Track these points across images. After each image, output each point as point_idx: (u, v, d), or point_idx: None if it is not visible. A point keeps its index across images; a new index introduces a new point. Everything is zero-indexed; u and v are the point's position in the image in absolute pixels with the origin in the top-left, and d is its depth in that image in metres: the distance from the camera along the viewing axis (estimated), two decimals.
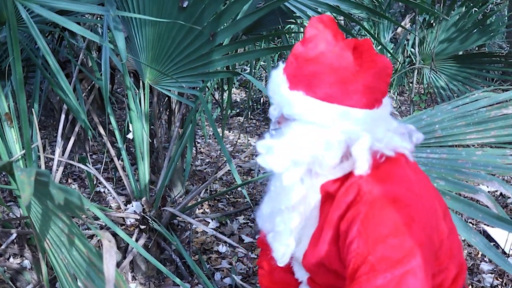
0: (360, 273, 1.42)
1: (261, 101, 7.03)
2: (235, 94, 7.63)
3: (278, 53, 6.31)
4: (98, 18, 3.37)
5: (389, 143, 1.55)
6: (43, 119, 5.42)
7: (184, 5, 2.78)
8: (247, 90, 7.42)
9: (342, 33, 1.60)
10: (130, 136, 3.18)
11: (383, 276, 1.38)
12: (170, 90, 3.05)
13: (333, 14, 3.08)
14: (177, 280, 2.53)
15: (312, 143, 1.53)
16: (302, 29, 4.87)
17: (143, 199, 3.13)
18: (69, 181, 4.76)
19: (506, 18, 5.31)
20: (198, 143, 5.93)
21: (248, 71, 6.67)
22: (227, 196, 4.60)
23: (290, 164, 1.54)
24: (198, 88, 3.09)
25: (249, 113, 6.51)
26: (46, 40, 3.02)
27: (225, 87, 5.04)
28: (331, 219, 1.55)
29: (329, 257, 1.57)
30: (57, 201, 1.14)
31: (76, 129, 3.23)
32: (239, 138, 6.09)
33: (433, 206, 1.54)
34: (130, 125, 3.14)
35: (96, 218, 3.43)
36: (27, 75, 3.58)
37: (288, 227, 1.63)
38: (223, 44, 2.90)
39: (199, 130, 6.31)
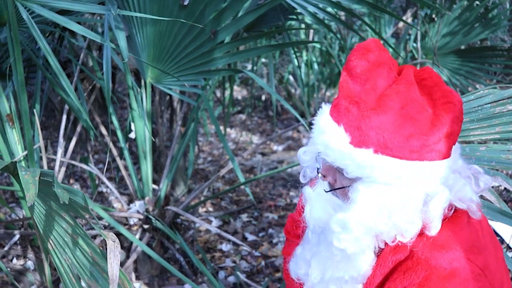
0: None
1: (263, 98, 7.02)
2: (236, 91, 7.62)
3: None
4: (99, 18, 3.36)
5: (459, 192, 1.34)
6: (44, 119, 5.41)
7: (185, 3, 2.77)
8: (249, 88, 7.41)
9: (395, 62, 1.37)
10: (132, 135, 3.17)
11: None
12: (171, 89, 3.05)
13: (334, 9, 3.05)
14: (183, 277, 2.52)
15: (391, 208, 1.30)
16: (303, 25, 4.85)
17: (146, 198, 3.12)
18: (71, 181, 4.76)
19: (508, 11, 5.29)
20: (200, 141, 5.92)
21: (250, 68, 6.67)
22: (230, 195, 4.59)
23: (367, 236, 1.33)
24: (200, 86, 3.08)
25: (251, 110, 6.49)
26: (47, 40, 3.01)
27: (227, 85, 5.03)
28: (373, 277, 1.37)
29: None
30: (62, 201, 1.13)
31: (78, 129, 3.22)
32: (241, 136, 6.08)
33: (498, 278, 1.36)
34: (132, 124, 3.13)
35: (99, 218, 3.42)
36: (28, 75, 3.56)
37: None
38: (225, 42, 2.89)
39: (200, 128, 6.31)
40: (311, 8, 3.07)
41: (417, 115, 1.28)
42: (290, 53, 4.35)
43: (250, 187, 4.69)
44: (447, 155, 1.31)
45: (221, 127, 5.94)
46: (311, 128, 1.42)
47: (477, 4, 5.06)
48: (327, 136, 1.32)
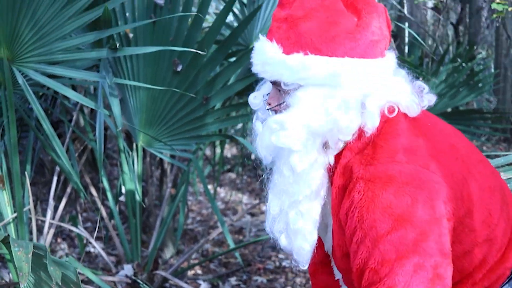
0: (366, 281, 1.29)
1: (252, 157, 7.05)
2: (225, 149, 7.65)
3: None
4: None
5: (400, 94, 1.40)
6: (34, 175, 5.39)
7: (178, 69, 2.83)
8: (238, 145, 7.45)
9: None
10: (122, 198, 3.18)
11: (387, 283, 1.25)
12: (163, 153, 3.07)
13: None
14: None
15: (328, 107, 1.36)
16: None
17: (135, 262, 3.10)
18: (59, 240, 4.71)
19: (494, 74, 5.43)
20: (189, 200, 5.91)
21: (241, 125, 6.72)
22: (219, 257, 4.56)
23: (307, 137, 1.37)
24: (191, 151, 3.11)
25: (241, 169, 6.52)
26: (39, 101, 3.04)
27: (217, 142, 5.06)
28: (332, 204, 1.43)
29: (342, 246, 1.43)
30: (54, 281, 1.13)
31: (68, 190, 3.22)
32: (230, 196, 6.08)
33: (449, 171, 1.36)
34: (123, 187, 3.13)
35: (89, 282, 3.38)
36: (20, 134, 3.58)
37: (310, 219, 1.45)
38: (216, 108, 2.93)
39: (189, 187, 6.31)
40: None
41: (342, 19, 1.37)
42: None
43: (239, 249, 4.66)
44: (380, 55, 1.39)
45: (211, 186, 5.94)
46: None
47: (462, 67, 5.18)
48: (262, 54, 1.41)
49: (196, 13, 2.70)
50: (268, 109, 1.47)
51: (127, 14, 2.90)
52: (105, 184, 3.22)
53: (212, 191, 5.53)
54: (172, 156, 3.39)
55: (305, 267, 1.51)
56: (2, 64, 2.43)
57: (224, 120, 2.94)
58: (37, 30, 2.36)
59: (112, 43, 2.26)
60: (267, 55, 1.40)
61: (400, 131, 1.39)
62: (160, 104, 2.90)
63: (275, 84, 1.43)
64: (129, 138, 3.66)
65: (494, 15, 4.16)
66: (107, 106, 2.88)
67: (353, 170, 1.35)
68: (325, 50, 1.35)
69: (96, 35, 2.25)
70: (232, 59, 3.04)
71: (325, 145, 1.41)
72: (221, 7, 5.59)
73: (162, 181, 4.40)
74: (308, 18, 1.36)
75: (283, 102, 1.42)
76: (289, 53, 1.37)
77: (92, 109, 4.08)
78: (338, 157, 1.43)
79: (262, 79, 1.52)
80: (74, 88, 3.27)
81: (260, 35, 1.48)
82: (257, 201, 5.88)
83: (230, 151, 7.70)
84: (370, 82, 1.37)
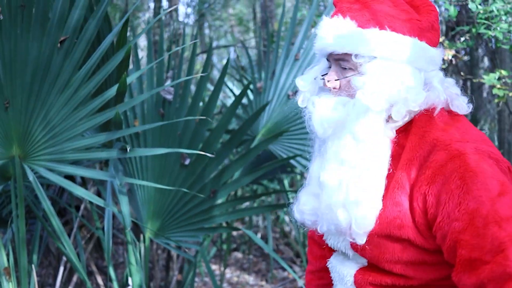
0: (491, 242, 1.25)
1: (258, 235, 7.03)
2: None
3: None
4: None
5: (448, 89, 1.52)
6: (39, 261, 5.36)
7: (186, 163, 2.87)
8: (244, 224, 7.43)
9: None
10: None
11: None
12: (169, 244, 3.08)
13: None
14: None
15: (402, 78, 1.44)
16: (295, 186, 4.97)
17: None
18: None
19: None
20: (195, 282, 5.85)
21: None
22: None
23: (384, 103, 1.43)
24: (198, 242, 3.12)
25: (248, 249, 6.48)
26: (47, 191, 3.07)
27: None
28: (400, 176, 1.42)
29: (402, 220, 1.39)
30: None
31: (74, 279, 3.21)
32: (237, 277, 6.02)
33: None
34: (129, 278, 3.12)
35: None
36: (27, 221, 3.60)
37: (375, 189, 1.42)
38: (223, 201, 2.97)
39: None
40: (307, 163, 3.18)
41: (407, 8, 1.51)
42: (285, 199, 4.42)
43: None
44: (436, 44, 1.53)
45: (217, 267, 5.90)
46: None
47: None
48: (334, 29, 1.48)
49: (203, 108, 2.76)
50: (327, 87, 1.52)
51: (136, 109, 2.97)
52: (112, 274, 3.21)
53: (217, 272, 5.49)
54: (179, 247, 3.39)
55: (363, 242, 1.44)
56: (13, 162, 2.48)
57: (231, 213, 2.96)
58: (49, 129, 2.41)
59: (123, 145, 2.31)
60: (340, 29, 1.48)
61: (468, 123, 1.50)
62: (167, 197, 2.94)
63: (339, 60, 1.50)
64: (137, 226, 3.67)
65: (496, 100, 4.22)
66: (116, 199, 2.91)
67: (439, 144, 1.39)
68: (399, 29, 1.46)
69: (107, 136, 2.30)
70: (239, 150, 3.08)
71: (389, 118, 1.47)
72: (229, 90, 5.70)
73: (169, 267, 4.38)
74: (379, 1, 1.49)
75: (345, 77, 1.49)
76: (366, 27, 1.47)
77: (98, 194, 4.12)
78: (402, 131, 1.49)
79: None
80: (83, 179, 3.31)
81: (323, 16, 1.56)
82: (263, 282, 5.83)
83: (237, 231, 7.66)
84: (435, 64, 1.51)
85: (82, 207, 3.31)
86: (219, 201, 3.00)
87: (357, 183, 1.43)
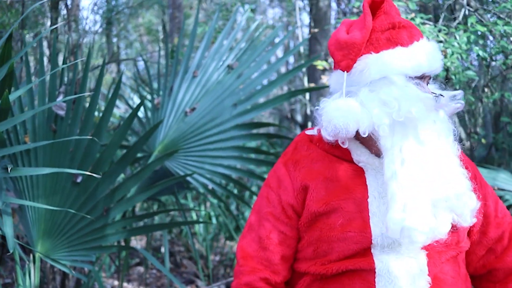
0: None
1: (162, 250, 6.95)
2: (135, 239, 7.50)
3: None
4: None
5: None
6: None
7: (78, 180, 2.80)
8: (147, 235, 7.30)
9: None
10: None
11: None
12: (62, 263, 2.98)
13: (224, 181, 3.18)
14: None
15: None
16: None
17: None
18: None
19: None
20: None
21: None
22: None
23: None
24: (91, 262, 3.04)
25: (149, 263, 6.38)
26: None
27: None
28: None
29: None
30: None
31: None
32: None
33: None
34: None
35: None
36: None
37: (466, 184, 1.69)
38: (117, 219, 2.91)
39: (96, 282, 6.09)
40: (203, 180, 3.19)
41: None
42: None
43: None
44: None
45: (117, 283, 5.78)
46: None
47: None
48: (421, 54, 1.68)
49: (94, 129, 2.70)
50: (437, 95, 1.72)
51: (27, 123, 2.87)
52: None
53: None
54: (73, 267, 3.29)
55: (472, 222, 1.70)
56: None
57: (126, 232, 2.90)
58: None
59: (5, 164, 2.22)
60: (426, 50, 1.71)
61: None
62: (59, 215, 2.84)
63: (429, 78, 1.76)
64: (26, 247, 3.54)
65: None
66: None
67: None
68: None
69: None
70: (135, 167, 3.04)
71: None
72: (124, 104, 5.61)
73: (64, 285, 4.25)
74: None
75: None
76: (377, 52, 1.71)
77: None
78: None
79: None
80: None
81: (399, 48, 1.70)
82: None
83: (140, 242, 7.55)
84: None
85: None
86: (116, 218, 2.94)
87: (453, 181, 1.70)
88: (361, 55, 1.69)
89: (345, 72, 1.68)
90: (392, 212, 1.58)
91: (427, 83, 1.73)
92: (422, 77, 1.70)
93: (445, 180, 1.63)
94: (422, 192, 1.60)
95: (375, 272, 1.65)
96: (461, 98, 1.75)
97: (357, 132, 1.65)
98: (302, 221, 1.73)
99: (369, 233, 1.66)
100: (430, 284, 1.65)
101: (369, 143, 1.72)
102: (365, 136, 1.66)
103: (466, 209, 1.65)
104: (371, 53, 1.68)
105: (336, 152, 1.75)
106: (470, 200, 1.66)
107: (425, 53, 1.69)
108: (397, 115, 1.61)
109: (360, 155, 1.72)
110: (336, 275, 1.68)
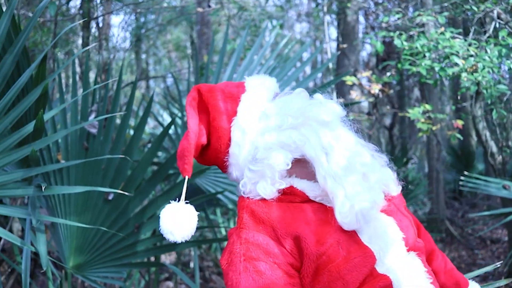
0: None
1: (191, 265, 6.96)
2: (164, 254, 7.51)
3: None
4: (22, 203, 3.35)
5: None
6: None
7: (110, 198, 2.83)
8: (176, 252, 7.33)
9: None
10: None
11: None
12: (92, 280, 3.00)
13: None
14: None
15: None
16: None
17: None
18: None
19: (426, 179, 5.58)
20: None
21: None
22: None
23: None
24: (122, 278, 3.06)
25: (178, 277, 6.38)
26: None
27: None
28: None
29: None
30: None
31: None
32: None
33: None
34: None
35: None
36: None
37: None
38: (147, 236, 2.92)
39: None
40: (232, 197, 3.18)
41: None
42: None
43: None
44: None
45: None
46: None
47: (398, 174, 5.34)
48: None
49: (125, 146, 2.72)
50: None
51: (59, 141, 2.91)
52: None
53: None
54: (103, 283, 3.31)
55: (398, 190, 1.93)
56: None
57: (156, 249, 2.92)
58: None
59: (39, 183, 2.25)
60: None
61: None
62: (90, 232, 2.87)
63: None
64: (59, 262, 3.57)
65: (420, 134, 4.36)
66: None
67: None
68: None
69: (24, 173, 2.24)
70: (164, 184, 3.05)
71: None
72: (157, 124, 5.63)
73: None
74: None
75: None
76: None
77: (22, 229, 3.99)
78: None
79: None
80: None
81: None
82: None
83: (169, 257, 7.58)
84: None
85: (1, 241, 3.20)
86: (146, 235, 2.95)
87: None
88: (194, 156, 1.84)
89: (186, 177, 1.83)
90: (340, 208, 1.67)
91: None
92: None
93: (366, 160, 1.77)
94: (353, 174, 1.71)
95: (392, 285, 1.68)
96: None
97: (298, 168, 1.78)
98: (307, 271, 1.69)
99: (369, 250, 1.68)
100: (431, 279, 1.75)
101: (307, 171, 1.79)
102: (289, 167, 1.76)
103: (389, 179, 1.85)
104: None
105: (291, 198, 1.77)
106: (389, 171, 1.88)
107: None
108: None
109: (315, 190, 1.76)
110: None
